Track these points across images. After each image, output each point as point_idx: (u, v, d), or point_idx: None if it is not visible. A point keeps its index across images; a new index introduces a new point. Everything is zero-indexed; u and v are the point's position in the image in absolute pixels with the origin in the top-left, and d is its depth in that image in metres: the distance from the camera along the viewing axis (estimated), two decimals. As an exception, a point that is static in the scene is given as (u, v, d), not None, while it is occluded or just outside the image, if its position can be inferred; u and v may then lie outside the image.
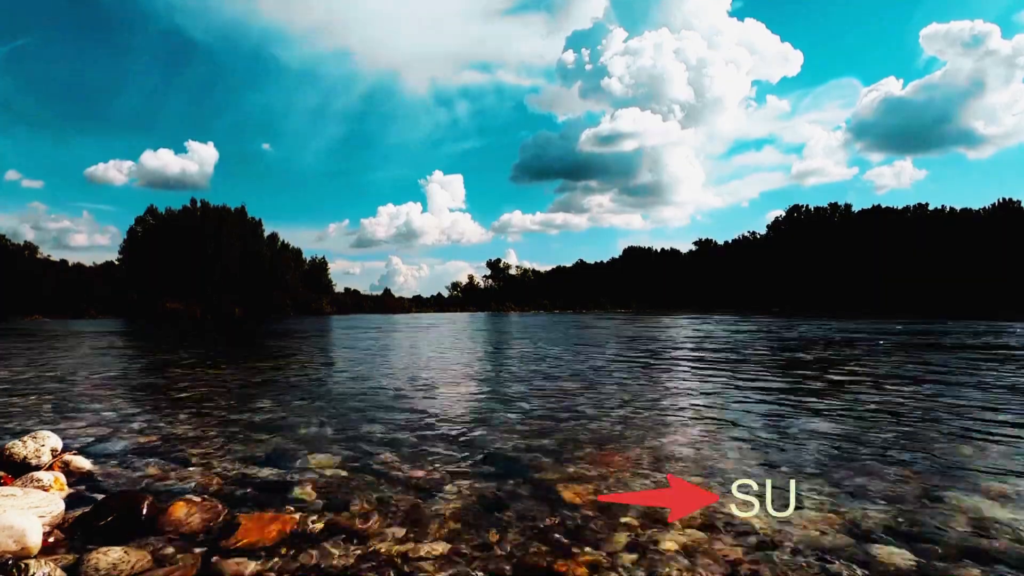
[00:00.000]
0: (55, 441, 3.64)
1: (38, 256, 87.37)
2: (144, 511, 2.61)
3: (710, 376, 7.84)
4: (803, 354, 11.21)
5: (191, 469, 3.52)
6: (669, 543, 2.39)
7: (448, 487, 3.16)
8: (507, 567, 2.21)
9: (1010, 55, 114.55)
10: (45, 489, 2.95)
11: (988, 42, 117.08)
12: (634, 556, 2.28)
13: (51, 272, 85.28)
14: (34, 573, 2.04)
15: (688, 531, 2.50)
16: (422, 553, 2.31)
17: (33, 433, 3.64)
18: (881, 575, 2.13)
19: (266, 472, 3.45)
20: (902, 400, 5.71)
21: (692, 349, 12.74)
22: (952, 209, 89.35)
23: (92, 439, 4.31)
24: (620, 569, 2.18)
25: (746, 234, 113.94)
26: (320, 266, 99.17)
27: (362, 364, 10.48)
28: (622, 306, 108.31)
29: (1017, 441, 4.04)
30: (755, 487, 3.11)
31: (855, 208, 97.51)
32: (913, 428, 4.50)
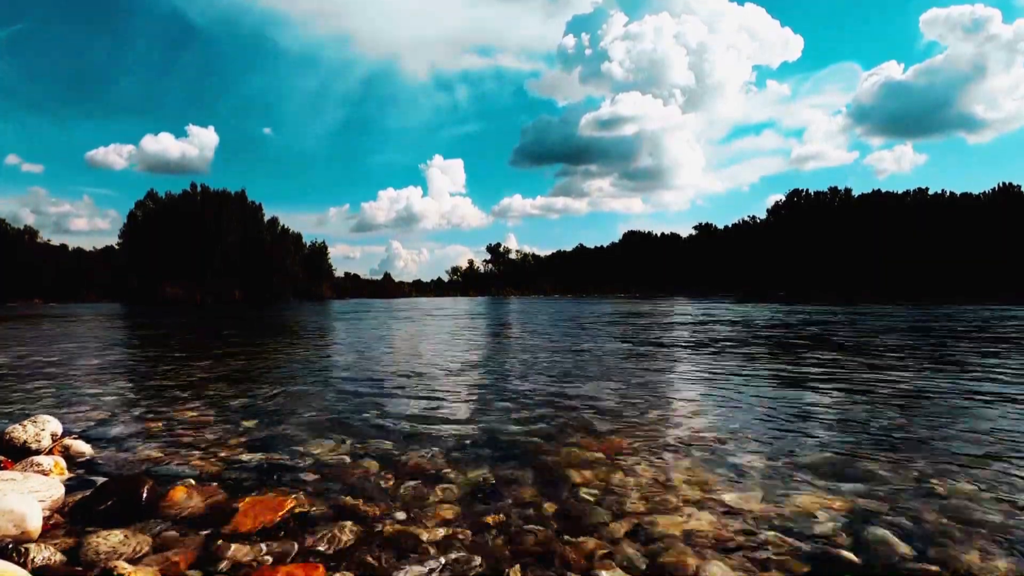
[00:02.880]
0: (55, 425, 3.64)
1: (38, 240, 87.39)
2: (144, 495, 2.61)
3: (712, 360, 7.84)
4: (810, 340, 11.21)
5: (191, 453, 3.52)
6: (670, 529, 2.39)
7: (448, 471, 3.16)
8: (507, 551, 2.22)
9: (1011, 40, 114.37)
10: (45, 473, 2.95)
11: (989, 27, 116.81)
12: (634, 541, 2.28)
13: (51, 256, 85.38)
14: (34, 557, 2.04)
15: (689, 516, 2.51)
16: (423, 537, 2.32)
17: (33, 417, 3.64)
18: (879, 560, 2.13)
19: (266, 456, 3.45)
20: (911, 386, 5.72)
21: (695, 332, 12.75)
22: (952, 193, 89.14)
23: (92, 423, 4.32)
24: (620, 554, 2.18)
25: (746, 218, 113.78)
26: (320, 250, 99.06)
27: (362, 350, 10.49)
28: (622, 290, 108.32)
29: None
30: (756, 471, 3.11)
31: (855, 193, 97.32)
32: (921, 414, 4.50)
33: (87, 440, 3.69)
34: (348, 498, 2.73)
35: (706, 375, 6.54)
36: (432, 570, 2.06)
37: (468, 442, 3.79)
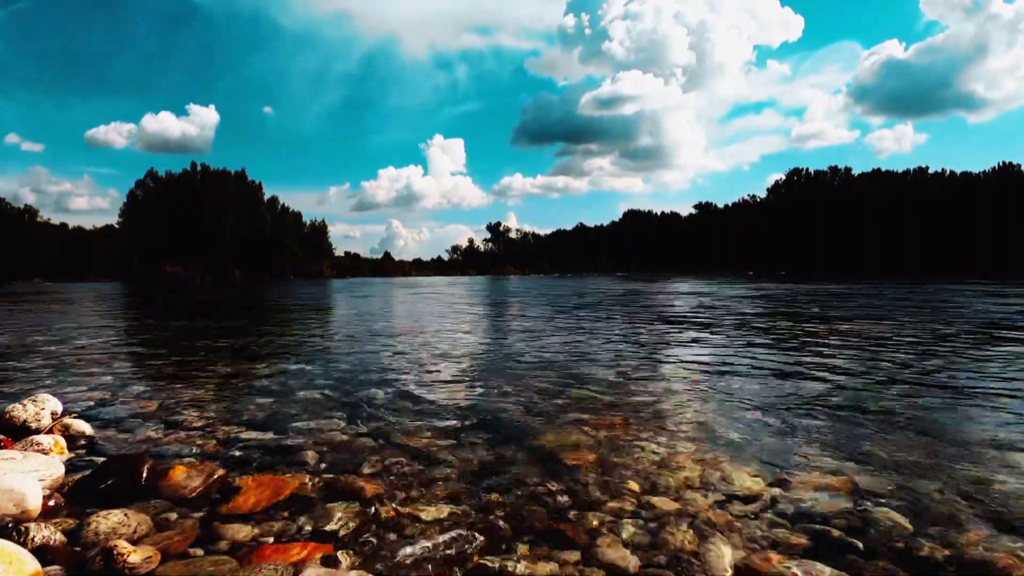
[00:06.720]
0: (55, 404, 3.64)
1: (38, 220, 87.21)
2: (144, 475, 2.60)
3: (713, 337, 7.84)
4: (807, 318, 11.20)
5: (191, 433, 3.52)
6: (670, 507, 2.39)
7: (449, 451, 3.16)
8: (508, 530, 2.21)
9: (1012, 19, 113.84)
10: (45, 453, 2.95)
11: (990, 6, 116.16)
12: (635, 520, 2.28)
13: (52, 236, 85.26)
14: (34, 536, 2.04)
15: (689, 495, 2.50)
16: (423, 516, 2.31)
17: (33, 396, 3.63)
18: (880, 538, 2.13)
19: (266, 436, 3.45)
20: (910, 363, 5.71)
21: (695, 311, 12.74)
22: (952, 173, 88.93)
23: (92, 403, 4.31)
24: (621, 533, 2.18)
25: (746, 197, 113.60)
26: (320, 229, 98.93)
27: (362, 328, 10.49)
28: (622, 269, 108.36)
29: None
30: (757, 450, 3.11)
31: (855, 172, 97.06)
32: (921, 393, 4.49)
33: (87, 419, 3.69)
34: (349, 477, 2.73)
35: (707, 353, 6.54)
36: (434, 548, 2.06)
37: (469, 421, 3.78)
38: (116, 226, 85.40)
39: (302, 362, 6.29)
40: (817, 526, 2.21)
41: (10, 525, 2.11)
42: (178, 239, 75.65)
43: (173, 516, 2.32)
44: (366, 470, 2.85)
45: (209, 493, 2.56)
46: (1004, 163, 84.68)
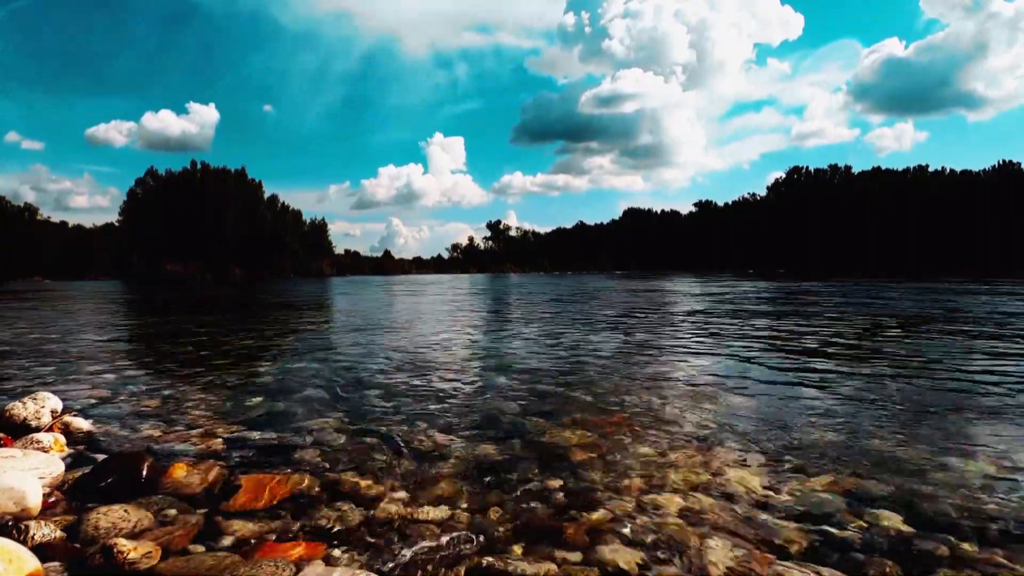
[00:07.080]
0: (55, 402, 3.63)
1: (39, 218, 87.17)
2: (144, 472, 2.60)
3: (713, 336, 7.82)
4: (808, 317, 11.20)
5: (191, 431, 3.51)
6: (672, 507, 2.38)
7: (449, 450, 3.15)
8: (508, 528, 2.21)
9: (1012, 18, 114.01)
10: (45, 450, 2.95)
11: (990, 5, 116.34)
12: (636, 519, 2.27)
13: (52, 234, 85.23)
14: (34, 534, 2.04)
15: (691, 495, 2.50)
16: (424, 516, 2.31)
17: (33, 394, 3.63)
18: (878, 539, 2.12)
19: (267, 434, 3.44)
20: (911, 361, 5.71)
21: (696, 309, 12.72)
22: (952, 171, 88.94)
23: (92, 401, 4.31)
24: (622, 531, 2.17)
25: (746, 195, 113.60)
26: (320, 227, 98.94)
27: (361, 326, 10.48)
28: (622, 267, 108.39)
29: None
30: (758, 450, 3.11)
31: (856, 170, 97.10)
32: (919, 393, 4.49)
33: (87, 417, 3.69)
34: (349, 476, 2.73)
35: (707, 352, 6.53)
36: (433, 548, 2.06)
37: (468, 420, 3.78)
38: (116, 224, 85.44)
39: (302, 360, 6.29)
40: (816, 525, 2.21)
41: (10, 523, 2.11)
42: (178, 237, 75.64)
43: (173, 513, 2.32)
44: (366, 469, 2.85)
45: (210, 490, 2.55)
46: (1004, 161, 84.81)
